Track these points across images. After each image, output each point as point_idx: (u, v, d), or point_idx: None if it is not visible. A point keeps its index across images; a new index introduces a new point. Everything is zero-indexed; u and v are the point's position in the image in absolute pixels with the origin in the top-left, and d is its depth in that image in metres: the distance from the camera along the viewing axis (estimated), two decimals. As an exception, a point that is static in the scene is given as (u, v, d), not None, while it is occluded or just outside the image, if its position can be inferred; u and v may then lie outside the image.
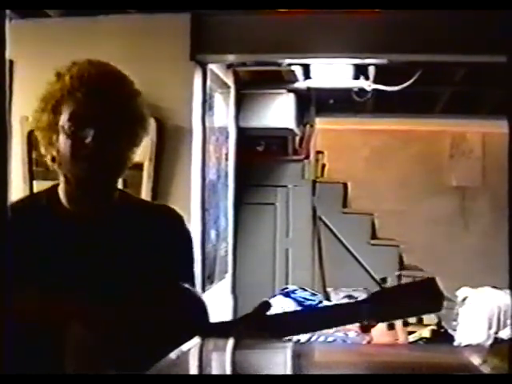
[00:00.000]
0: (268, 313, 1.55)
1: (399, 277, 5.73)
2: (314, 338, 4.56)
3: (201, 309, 1.62)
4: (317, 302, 5.42)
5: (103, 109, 1.57)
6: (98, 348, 1.43)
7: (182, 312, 1.55)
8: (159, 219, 1.72)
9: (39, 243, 1.59)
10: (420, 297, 1.50)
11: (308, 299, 5.39)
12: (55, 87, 1.61)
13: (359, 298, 1.58)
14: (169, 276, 1.62)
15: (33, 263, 1.54)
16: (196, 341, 1.32)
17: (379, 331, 5.00)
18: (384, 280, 1.47)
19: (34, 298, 1.48)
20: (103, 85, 1.60)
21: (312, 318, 1.58)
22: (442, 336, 5.10)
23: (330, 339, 4.68)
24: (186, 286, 1.63)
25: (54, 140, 1.60)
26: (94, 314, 1.46)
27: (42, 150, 1.65)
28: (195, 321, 1.56)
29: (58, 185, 1.67)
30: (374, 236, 6.35)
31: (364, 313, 1.52)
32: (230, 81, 5.06)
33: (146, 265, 1.61)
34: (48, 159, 1.65)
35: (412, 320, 5.29)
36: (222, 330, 1.54)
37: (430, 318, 5.44)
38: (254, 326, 1.51)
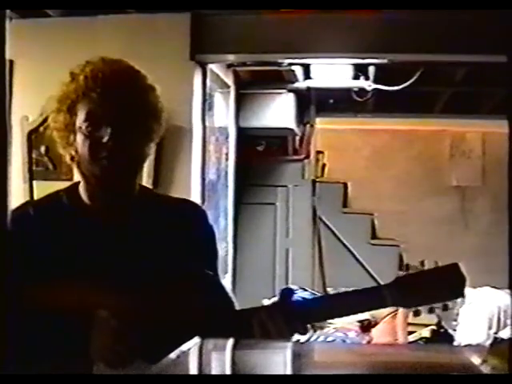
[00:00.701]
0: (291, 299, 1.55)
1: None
2: (313, 338, 4.56)
3: (225, 296, 1.66)
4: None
5: (119, 107, 1.59)
6: (124, 336, 1.44)
7: (208, 299, 1.57)
8: (182, 212, 1.75)
9: (65, 239, 1.62)
10: (444, 282, 1.48)
11: (308, 299, 5.38)
12: (70, 88, 1.61)
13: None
14: (193, 265, 1.65)
15: (60, 258, 1.57)
16: (196, 341, 1.32)
17: (379, 331, 5.00)
18: (407, 267, 1.47)
19: (63, 289, 1.51)
20: (118, 83, 1.61)
21: (336, 303, 1.57)
22: (441, 336, 5.10)
23: (329, 339, 4.68)
24: (210, 273, 1.66)
25: (71, 140, 1.62)
26: (121, 303, 1.48)
27: (60, 150, 1.67)
28: (221, 307, 1.58)
29: (77, 183, 1.69)
30: (374, 236, 6.35)
31: (388, 298, 1.49)
32: (230, 81, 5.06)
33: (169, 256, 1.63)
34: (67, 159, 1.66)
35: (412, 320, 5.30)
36: (245, 317, 1.54)
37: (429, 318, 5.44)
38: (279, 312, 1.51)
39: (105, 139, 1.56)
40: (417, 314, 1.51)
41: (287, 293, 1.57)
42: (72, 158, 1.64)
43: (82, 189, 1.67)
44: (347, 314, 1.60)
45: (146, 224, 1.67)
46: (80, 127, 1.59)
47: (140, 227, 1.66)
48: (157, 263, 1.61)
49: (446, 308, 1.49)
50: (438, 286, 1.49)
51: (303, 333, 1.51)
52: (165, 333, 1.46)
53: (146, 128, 1.65)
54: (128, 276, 1.55)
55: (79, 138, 1.59)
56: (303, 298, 5.24)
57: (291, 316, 1.50)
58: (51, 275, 1.53)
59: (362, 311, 1.61)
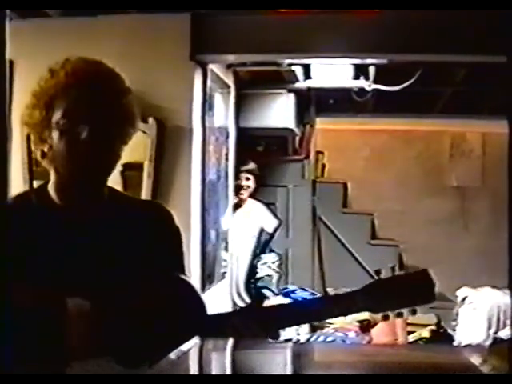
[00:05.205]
0: (264, 305, 1.56)
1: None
2: (313, 338, 4.56)
3: (196, 298, 1.64)
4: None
5: (97, 107, 1.59)
6: (98, 324, 1.44)
7: (178, 301, 1.57)
8: (149, 214, 1.75)
9: (34, 238, 1.61)
10: (414, 288, 1.52)
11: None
12: (48, 84, 1.62)
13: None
14: (160, 268, 1.64)
15: (29, 257, 1.56)
16: (196, 341, 1.32)
17: (379, 331, 5.00)
18: (378, 272, 1.49)
19: (32, 291, 1.49)
20: (97, 82, 1.62)
21: (308, 309, 1.59)
22: (441, 336, 5.10)
23: (329, 339, 4.68)
24: (180, 276, 1.66)
25: (45, 136, 1.61)
26: (90, 304, 1.47)
27: (32, 146, 1.67)
28: (191, 310, 1.58)
29: (47, 183, 1.69)
30: (374, 236, 6.36)
31: (359, 304, 1.52)
32: (230, 81, 5.06)
33: (137, 257, 1.63)
34: (38, 155, 1.66)
35: (413, 320, 5.30)
36: (218, 321, 1.55)
37: (429, 318, 5.45)
38: (251, 317, 1.51)
39: (82, 136, 1.56)
40: (385, 318, 1.54)
41: (259, 297, 1.58)
42: (43, 155, 1.64)
43: (51, 188, 1.68)
44: (319, 320, 1.62)
45: (114, 224, 1.67)
46: (57, 123, 1.59)
47: (109, 227, 1.66)
48: (124, 263, 1.61)
49: (414, 313, 1.52)
50: (408, 292, 1.52)
51: (276, 337, 1.52)
52: (137, 335, 1.46)
53: (120, 130, 1.65)
54: (96, 276, 1.55)
55: (55, 133, 1.59)
56: (301, 297, 5.24)
57: (264, 321, 1.50)
58: (19, 274, 1.52)
59: (333, 317, 1.64)
